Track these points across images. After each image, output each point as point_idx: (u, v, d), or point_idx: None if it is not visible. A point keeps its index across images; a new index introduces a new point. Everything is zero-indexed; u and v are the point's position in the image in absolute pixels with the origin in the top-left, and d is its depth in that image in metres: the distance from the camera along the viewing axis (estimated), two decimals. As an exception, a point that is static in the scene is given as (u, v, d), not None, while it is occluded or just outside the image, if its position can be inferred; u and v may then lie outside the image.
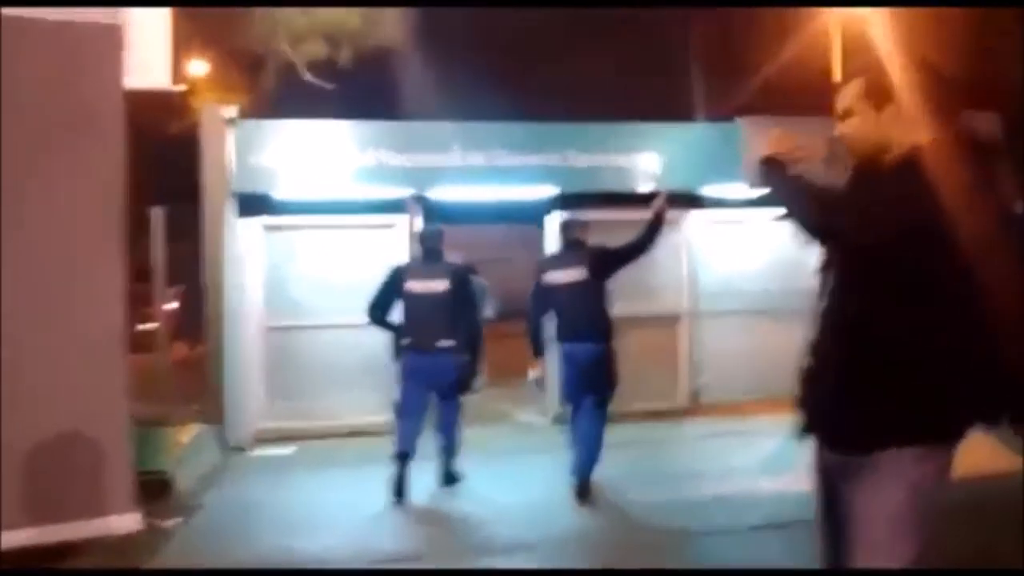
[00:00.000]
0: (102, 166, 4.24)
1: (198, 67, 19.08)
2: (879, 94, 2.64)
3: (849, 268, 2.60)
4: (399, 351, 6.66)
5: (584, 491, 6.30)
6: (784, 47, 17.90)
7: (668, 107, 14.82)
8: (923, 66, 2.79)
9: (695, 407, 9.83)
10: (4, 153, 4.14)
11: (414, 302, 6.53)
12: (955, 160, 2.40)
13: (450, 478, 6.87)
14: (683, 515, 6.05)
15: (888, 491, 2.41)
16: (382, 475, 7.57)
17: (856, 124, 2.66)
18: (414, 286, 6.54)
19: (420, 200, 9.25)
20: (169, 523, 5.55)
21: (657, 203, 6.54)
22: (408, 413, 6.60)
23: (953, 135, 2.50)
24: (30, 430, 4.23)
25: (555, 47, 16.77)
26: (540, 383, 7.05)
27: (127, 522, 4.30)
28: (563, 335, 6.46)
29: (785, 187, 2.67)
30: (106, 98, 4.18)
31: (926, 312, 2.40)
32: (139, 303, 12.81)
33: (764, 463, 7.84)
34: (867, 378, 2.50)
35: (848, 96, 2.69)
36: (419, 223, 8.71)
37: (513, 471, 7.73)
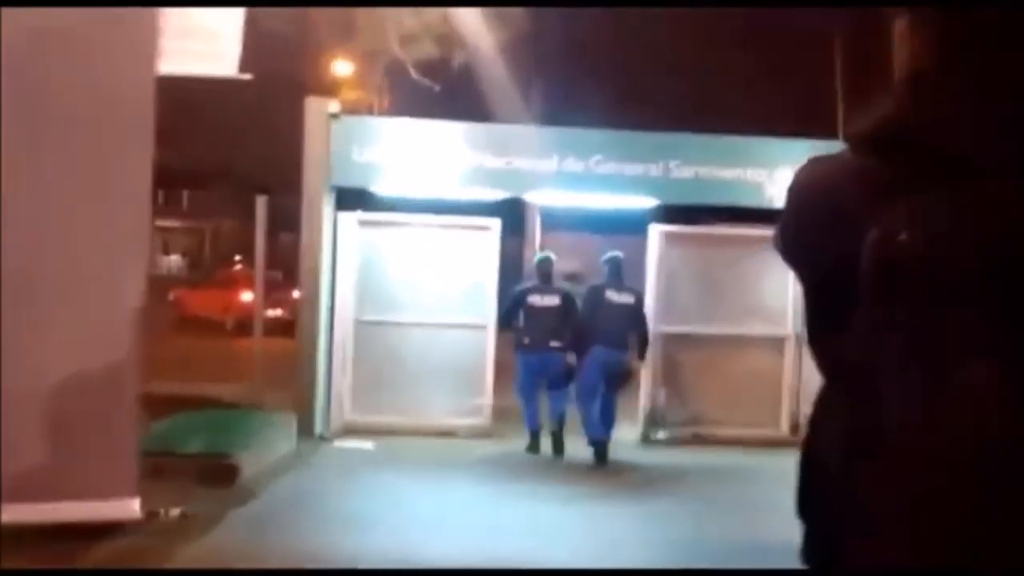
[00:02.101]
0: (130, 150, 4.30)
1: (340, 66, 19.82)
2: None
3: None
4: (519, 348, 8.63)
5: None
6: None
7: (803, 123, 14.09)
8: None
9: (797, 437, 9.22)
10: (26, 137, 4.22)
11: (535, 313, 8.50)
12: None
13: (558, 445, 8.42)
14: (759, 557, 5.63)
15: None
16: (455, 479, 7.52)
17: None
18: (536, 301, 8.53)
19: (539, 208, 9.16)
20: (174, 512, 5.39)
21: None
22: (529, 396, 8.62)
23: None
24: (31, 404, 4.29)
25: (678, 55, 16.32)
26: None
27: (124, 508, 4.31)
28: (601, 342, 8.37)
29: None
30: (136, 82, 4.24)
31: None
32: (272, 290, 13.36)
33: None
34: None
35: None
36: (537, 228, 8.72)
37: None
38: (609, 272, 8.58)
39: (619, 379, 8.40)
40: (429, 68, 11.34)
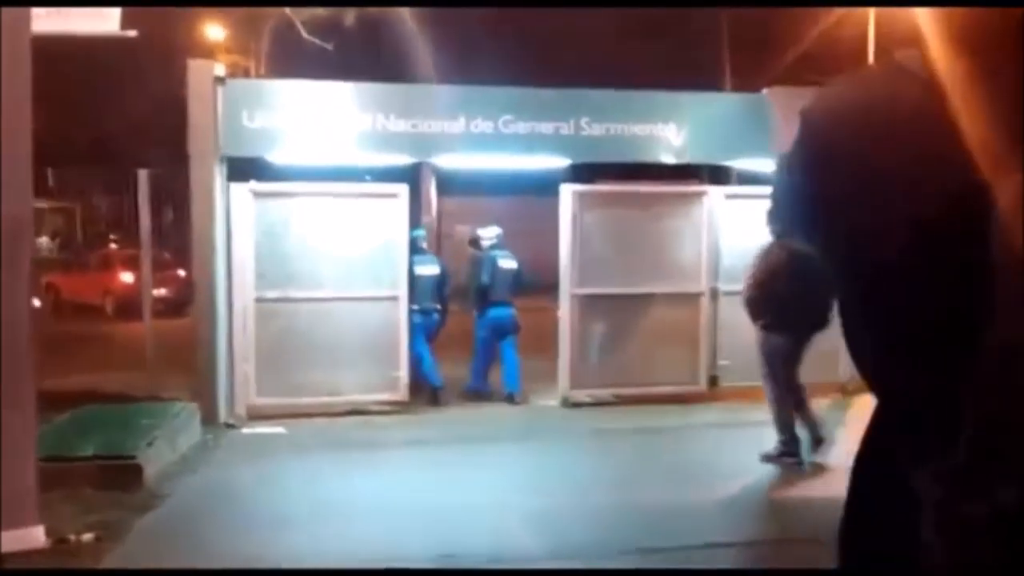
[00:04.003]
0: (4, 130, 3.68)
1: (212, 30, 18.67)
2: None
3: None
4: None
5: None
6: (815, 18, 17.11)
7: (692, 77, 14.09)
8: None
9: (715, 392, 9.26)
10: None
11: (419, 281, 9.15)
12: None
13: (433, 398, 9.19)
14: (682, 522, 5.54)
15: None
16: (378, 460, 7.18)
17: None
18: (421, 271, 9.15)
19: (435, 169, 8.73)
20: (87, 537, 4.73)
21: None
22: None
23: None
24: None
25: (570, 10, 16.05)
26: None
27: (25, 538, 3.75)
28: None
29: None
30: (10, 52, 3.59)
31: None
32: (156, 269, 12.54)
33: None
34: None
35: None
36: (432, 192, 8.30)
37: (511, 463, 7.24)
38: (498, 243, 9.70)
39: (512, 331, 9.49)
40: (320, 27, 10.63)
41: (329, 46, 10.67)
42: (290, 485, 6.42)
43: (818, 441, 6.88)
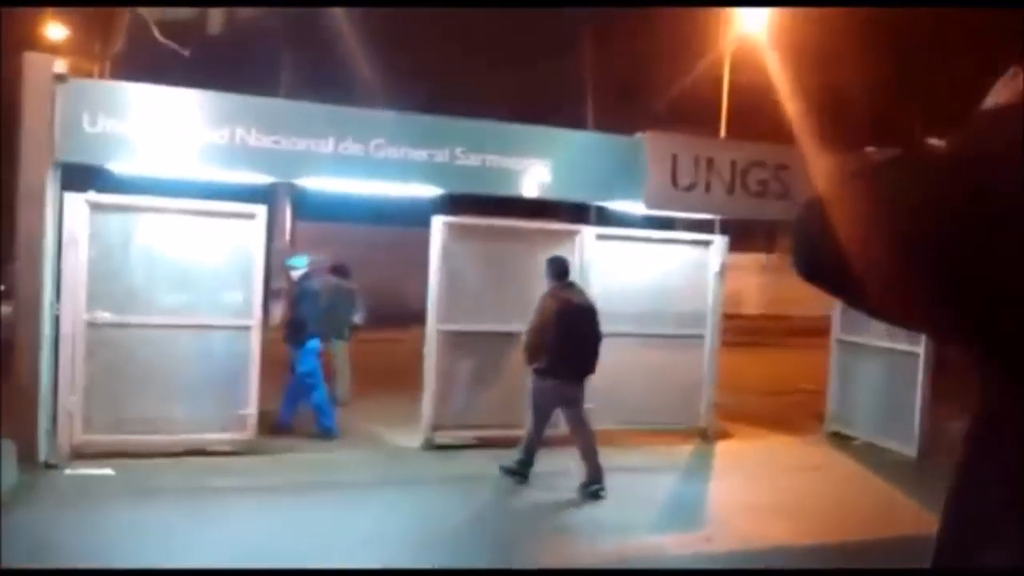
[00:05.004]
0: None
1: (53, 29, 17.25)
2: None
3: None
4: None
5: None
6: (682, 67, 17.66)
7: (565, 116, 14.12)
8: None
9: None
10: None
11: None
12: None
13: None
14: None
15: None
16: (214, 508, 6.55)
17: None
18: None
19: (289, 190, 8.15)
20: None
21: None
22: None
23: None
24: None
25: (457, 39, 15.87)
26: None
27: None
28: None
29: None
30: None
31: None
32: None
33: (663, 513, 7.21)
34: None
35: None
36: (288, 215, 7.72)
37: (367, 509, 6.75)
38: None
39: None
40: (181, 32, 9.83)
41: (186, 52, 9.87)
42: (110, 535, 5.69)
43: (591, 485, 7.27)
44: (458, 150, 8.23)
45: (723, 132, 17.16)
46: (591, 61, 20.22)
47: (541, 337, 7.18)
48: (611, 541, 6.40)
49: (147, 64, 9.45)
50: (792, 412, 11.44)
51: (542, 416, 7.45)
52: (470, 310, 8.72)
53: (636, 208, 9.40)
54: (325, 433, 8.91)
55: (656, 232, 9.82)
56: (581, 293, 7.65)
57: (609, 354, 9.04)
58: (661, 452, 9.12)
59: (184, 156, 7.59)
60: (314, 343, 8.99)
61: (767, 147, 9.78)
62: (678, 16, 16.20)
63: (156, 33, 9.76)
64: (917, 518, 7.13)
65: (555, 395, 7.32)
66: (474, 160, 8.31)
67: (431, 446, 8.62)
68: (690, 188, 9.09)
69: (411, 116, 8.50)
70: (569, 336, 7.14)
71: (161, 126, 7.52)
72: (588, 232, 9.18)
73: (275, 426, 8.85)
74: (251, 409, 8.05)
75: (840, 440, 10.08)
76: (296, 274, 9.25)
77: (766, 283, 25.58)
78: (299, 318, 9.00)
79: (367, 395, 10.51)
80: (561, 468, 8.23)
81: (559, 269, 7.57)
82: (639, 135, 9.21)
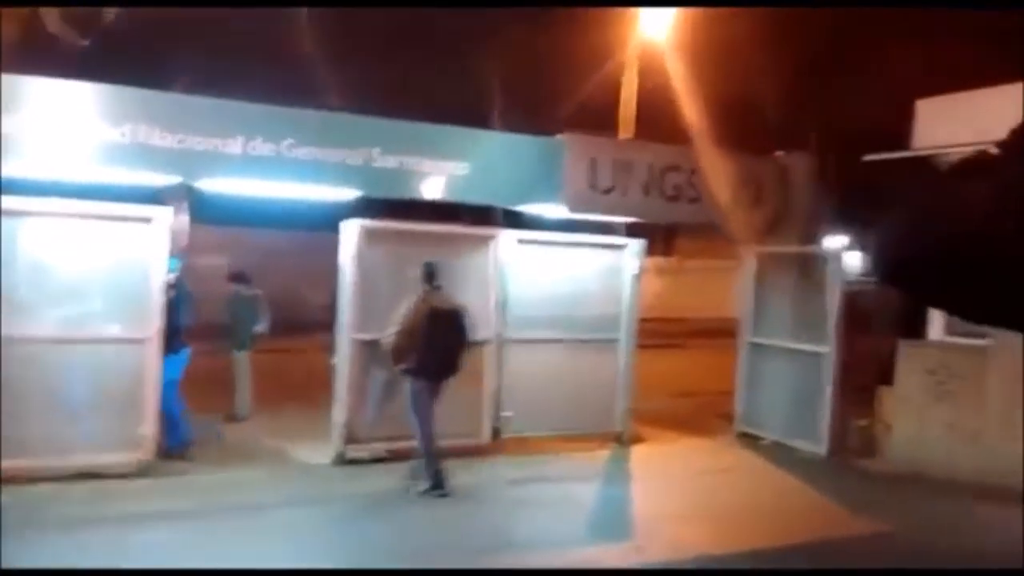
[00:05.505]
0: None
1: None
2: None
3: None
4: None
5: None
6: (590, 72, 17.75)
7: (478, 117, 13.88)
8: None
9: (497, 444, 8.85)
10: None
11: None
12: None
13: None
14: None
15: None
16: (107, 538, 6.02)
17: None
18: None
19: (187, 192, 7.64)
20: None
21: None
22: None
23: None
24: None
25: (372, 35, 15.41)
26: None
27: None
28: None
29: None
30: None
31: None
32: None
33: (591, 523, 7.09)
34: None
35: None
36: (184, 221, 7.26)
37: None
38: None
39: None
40: (76, 19, 9.00)
41: (84, 42, 9.08)
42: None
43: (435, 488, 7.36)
44: (375, 151, 7.88)
45: (623, 135, 17.28)
46: (497, 63, 20.06)
47: (409, 339, 7.29)
48: (544, 556, 6.21)
49: (38, 55, 8.66)
50: (699, 414, 11.55)
51: (426, 416, 7.52)
52: (384, 318, 8.35)
53: (557, 211, 9.26)
54: (175, 449, 8.07)
55: (578, 236, 9.64)
56: (449, 297, 7.60)
57: (526, 360, 8.90)
58: (578, 459, 8.99)
59: (78, 156, 6.96)
60: (185, 352, 8.17)
61: (683, 151, 9.80)
62: (582, 17, 16.25)
63: (46, 23, 8.95)
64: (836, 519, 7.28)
65: (429, 393, 7.49)
66: (391, 162, 7.98)
67: (343, 461, 8.22)
68: (609, 191, 9.02)
69: (326, 115, 8.11)
70: (436, 338, 7.29)
71: (47, 122, 6.87)
72: (509, 236, 8.95)
73: (168, 449, 7.97)
74: (148, 428, 7.48)
75: (749, 440, 10.22)
76: (169, 278, 8.23)
77: (663, 286, 26.03)
78: (171, 325, 7.91)
79: (268, 408, 10.00)
80: (483, 480, 8.04)
81: (429, 273, 7.52)
82: (559, 136, 9.07)
